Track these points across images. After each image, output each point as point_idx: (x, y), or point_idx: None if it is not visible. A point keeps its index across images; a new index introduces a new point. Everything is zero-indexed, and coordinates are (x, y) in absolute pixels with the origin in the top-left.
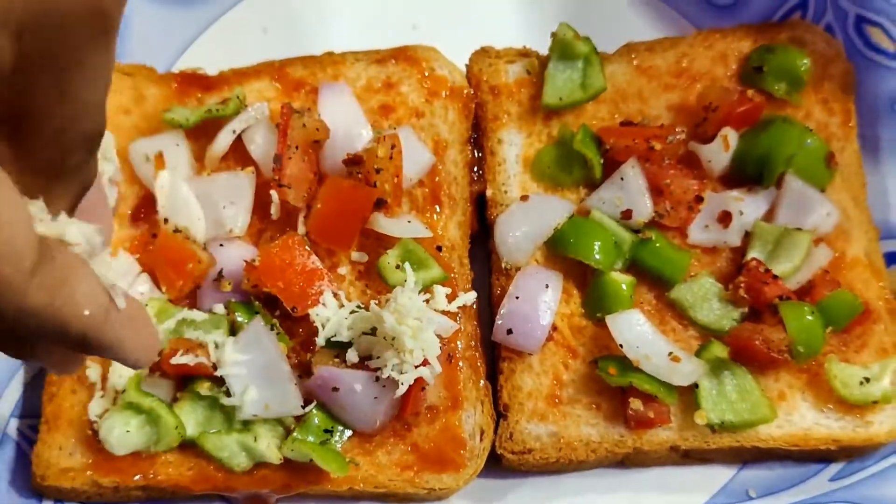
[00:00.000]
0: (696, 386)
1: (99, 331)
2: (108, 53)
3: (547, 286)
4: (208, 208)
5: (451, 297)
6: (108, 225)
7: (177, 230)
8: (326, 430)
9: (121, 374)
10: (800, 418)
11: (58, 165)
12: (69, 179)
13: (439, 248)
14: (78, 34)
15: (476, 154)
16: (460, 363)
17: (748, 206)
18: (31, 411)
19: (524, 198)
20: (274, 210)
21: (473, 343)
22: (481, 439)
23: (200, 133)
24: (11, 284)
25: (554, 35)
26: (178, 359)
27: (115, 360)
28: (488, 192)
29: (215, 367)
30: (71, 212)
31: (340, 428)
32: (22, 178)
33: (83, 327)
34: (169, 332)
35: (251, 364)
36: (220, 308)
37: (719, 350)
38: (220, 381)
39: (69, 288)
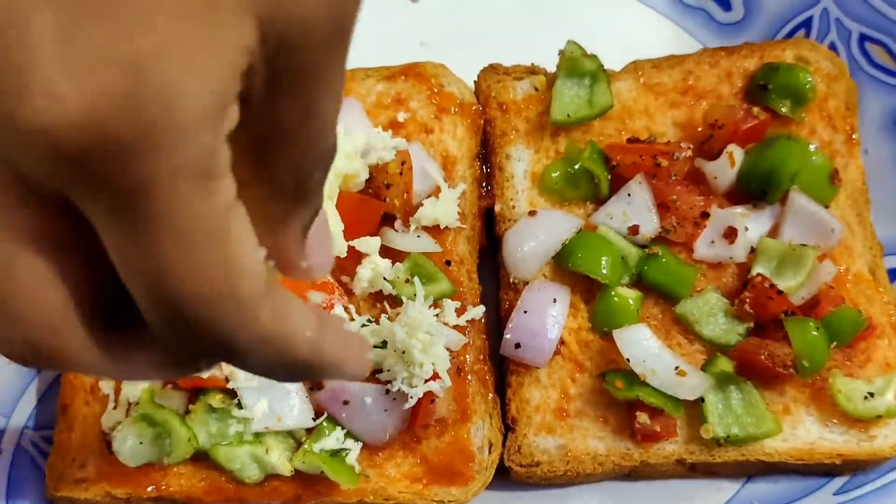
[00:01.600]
0: (702, 400)
1: (318, 350)
2: (343, 70)
3: (555, 300)
4: None
5: (460, 311)
6: (330, 242)
7: None
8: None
9: (134, 386)
10: (804, 432)
11: (300, 188)
12: (307, 203)
13: (448, 263)
14: (322, 48)
15: (484, 169)
16: (469, 377)
17: (753, 223)
18: (44, 423)
19: (532, 213)
20: None
21: (482, 357)
22: (490, 452)
23: None
24: (246, 303)
25: (561, 52)
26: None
27: (334, 378)
28: (497, 208)
29: (227, 380)
30: (305, 235)
31: (351, 440)
32: (260, 206)
33: (305, 349)
34: None
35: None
36: None
37: (725, 364)
38: (231, 393)
39: (292, 313)
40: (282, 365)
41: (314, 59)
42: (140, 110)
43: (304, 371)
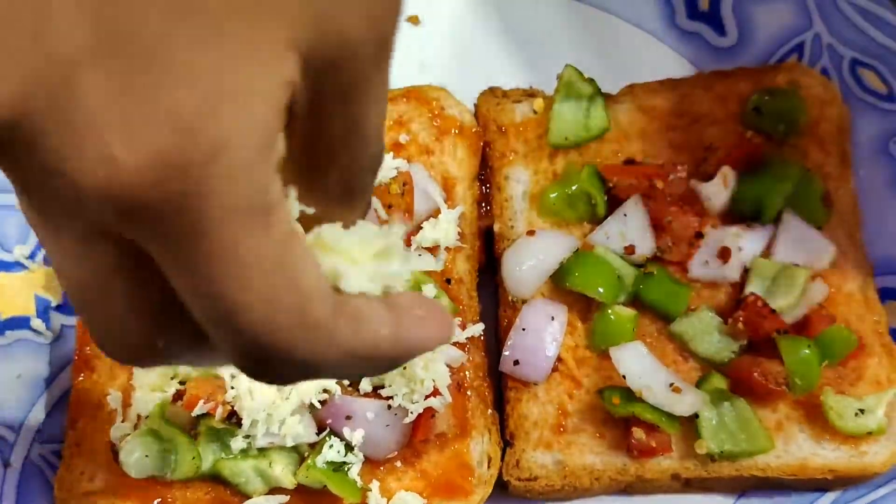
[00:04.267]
0: (696, 416)
1: (400, 339)
2: (386, 80)
3: (553, 319)
4: None
5: (460, 328)
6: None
7: None
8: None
9: (146, 400)
10: (797, 448)
11: (349, 193)
12: (357, 203)
13: (448, 281)
14: (364, 62)
15: (484, 190)
16: (469, 392)
17: (747, 243)
18: (53, 437)
19: (530, 233)
20: None
21: (481, 373)
22: (489, 466)
23: None
24: (321, 326)
25: (559, 76)
26: (200, 409)
27: (424, 353)
28: (495, 227)
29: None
30: None
31: (353, 455)
32: (316, 207)
33: (388, 346)
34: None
35: (266, 393)
36: None
37: (719, 382)
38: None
39: (366, 318)
40: (370, 369)
41: (358, 75)
42: (191, 165)
43: (393, 365)
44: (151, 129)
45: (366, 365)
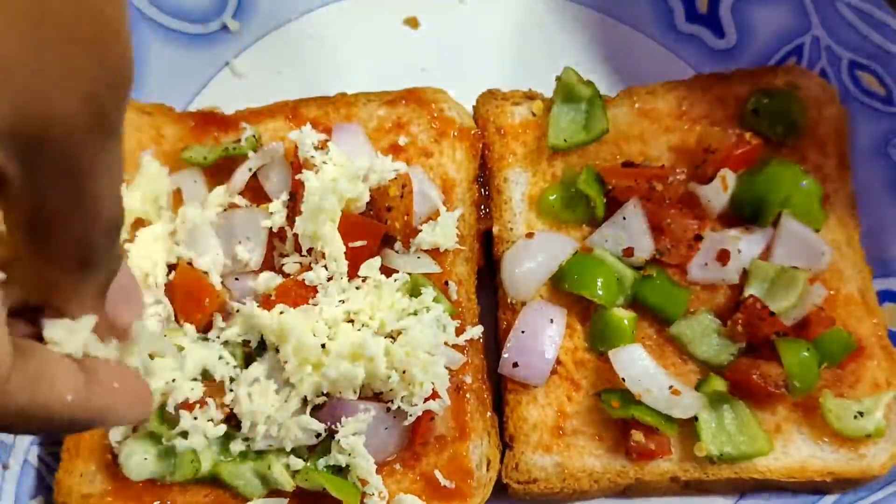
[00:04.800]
0: (695, 419)
1: (84, 408)
2: (116, 149)
3: (552, 321)
4: (225, 244)
5: (459, 331)
6: (139, 298)
7: (190, 263)
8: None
9: None
10: (796, 451)
11: (85, 259)
12: (97, 269)
13: (447, 283)
14: (81, 140)
15: (483, 192)
16: (468, 395)
17: (746, 245)
18: (51, 439)
19: (529, 235)
20: (288, 245)
21: (481, 375)
22: (488, 469)
23: (217, 170)
24: None
25: (558, 79)
26: (199, 412)
27: (108, 427)
28: (495, 230)
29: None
30: (102, 297)
31: (352, 458)
32: (49, 274)
33: (68, 412)
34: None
35: (265, 396)
36: (234, 336)
37: (718, 384)
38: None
39: (47, 381)
40: (50, 428)
41: (73, 151)
42: None
43: (79, 428)
44: None
45: (42, 425)
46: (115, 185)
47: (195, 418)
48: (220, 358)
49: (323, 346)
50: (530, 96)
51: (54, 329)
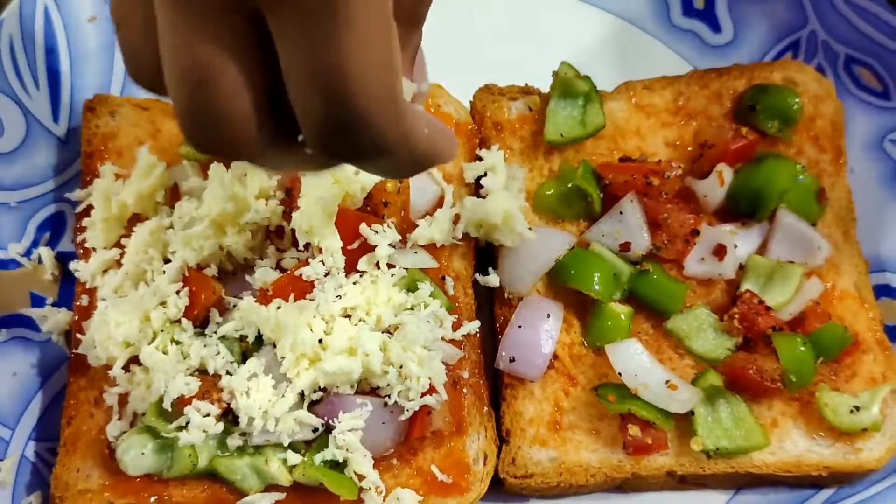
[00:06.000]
0: (692, 413)
1: (434, 146)
2: None
3: (548, 316)
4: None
5: (455, 326)
6: (426, 70)
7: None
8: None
9: (143, 398)
10: (792, 445)
11: (413, 14)
12: (417, 28)
13: (444, 278)
14: None
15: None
16: (465, 390)
17: (742, 240)
18: (48, 435)
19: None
20: (285, 240)
21: (477, 370)
22: (485, 464)
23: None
24: (400, 104)
25: (555, 73)
26: (197, 407)
27: (441, 163)
28: None
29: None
30: (413, 60)
31: (349, 452)
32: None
33: (426, 145)
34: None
35: (262, 391)
36: (231, 332)
37: (714, 379)
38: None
39: (415, 113)
40: (405, 163)
41: None
42: None
43: (425, 164)
44: None
45: (410, 158)
46: None
47: (194, 413)
48: (218, 353)
49: (320, 341)
50: (527, 91)
51: None
